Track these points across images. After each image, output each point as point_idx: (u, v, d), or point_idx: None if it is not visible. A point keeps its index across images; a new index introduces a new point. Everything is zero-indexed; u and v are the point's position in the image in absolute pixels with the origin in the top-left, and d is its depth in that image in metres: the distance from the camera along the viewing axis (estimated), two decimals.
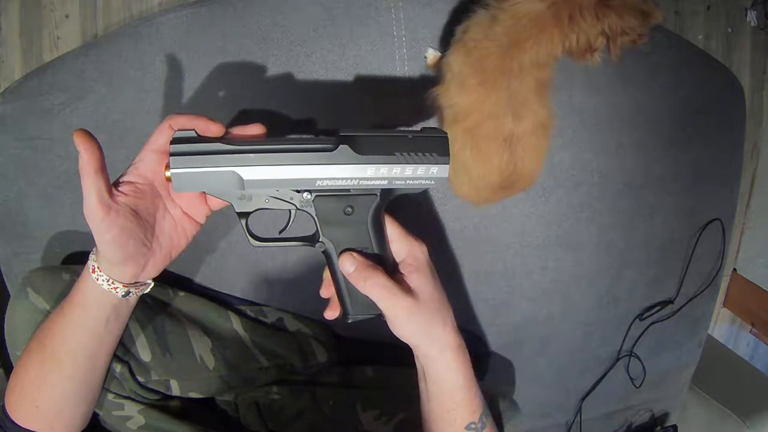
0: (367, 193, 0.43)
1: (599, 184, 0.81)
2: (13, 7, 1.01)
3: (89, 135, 0.40)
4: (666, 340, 0.96)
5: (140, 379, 0.58)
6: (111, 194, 0.41)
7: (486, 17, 0.56)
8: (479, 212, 0.77)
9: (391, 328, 0.44)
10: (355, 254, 0.43)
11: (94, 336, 0.46)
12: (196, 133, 0.41)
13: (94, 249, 0.44)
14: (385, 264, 0.44)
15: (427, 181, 0.43)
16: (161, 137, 0.43)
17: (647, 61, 0.79)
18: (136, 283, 0.45)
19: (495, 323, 0.84)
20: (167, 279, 0.72)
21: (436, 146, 0.43)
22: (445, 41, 0.71)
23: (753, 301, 1.45)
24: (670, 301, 0.93)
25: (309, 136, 0.41)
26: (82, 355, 0.46)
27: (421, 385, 0.49)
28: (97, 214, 0.40)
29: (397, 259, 0.45)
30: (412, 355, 0.49)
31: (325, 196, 0.42)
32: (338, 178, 0.41)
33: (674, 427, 1.05)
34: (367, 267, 0.42)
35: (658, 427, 1.04)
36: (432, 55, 0.70)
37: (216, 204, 0.48)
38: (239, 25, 0.67)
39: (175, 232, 0.47)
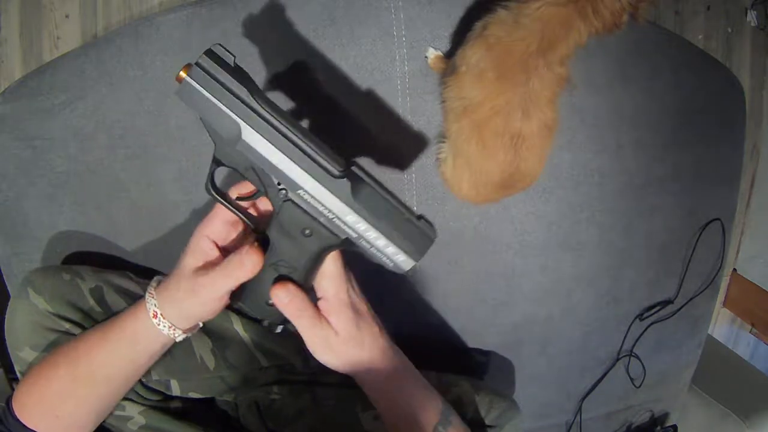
0: (333, 231, 0.41)
1: (599, 184, 0.81)
2: (13, 7, 1.01)
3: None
4: (666, 340, 0.96)
5: (141, 378, 0.58)
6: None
7: (508, 17, 0.56)
8: (479, 212, 0.77)
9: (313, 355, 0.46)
10: (291, 287, 0.42)
11: (137, 367, 0.47)
12: (235, 61, 0.38)
13: (152, 291, 0.46)
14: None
15: (387, 260, 0.42)
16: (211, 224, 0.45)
17: (647, 61, 0.78)
18: (192, 328, 0.47)
19: (495, 323, 0.84)
20: None
21: (418, 241, 0.42)
22: (445, 39, 0.71)
23: (753, 301, 1.45)
24: (670, 301, 0.93)
25: (325, 146, 0.40)
26: (120, 381, 0.47)
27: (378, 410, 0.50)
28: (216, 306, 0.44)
29: (321, 295, 0.45)
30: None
31: (297, 206, 0.41)
32: (321, 203, 0.40)
33: (674, 427, 1.05)
34: (302, 301, 0.43)
35: (658, 427, 1.04)
36: (432, 54, 0.70)
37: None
38: (239, 25, 0.67)
39: None
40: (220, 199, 0.42)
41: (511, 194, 0.70)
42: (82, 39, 1.04)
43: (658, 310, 0.92)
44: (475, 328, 0.84)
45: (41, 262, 0.70)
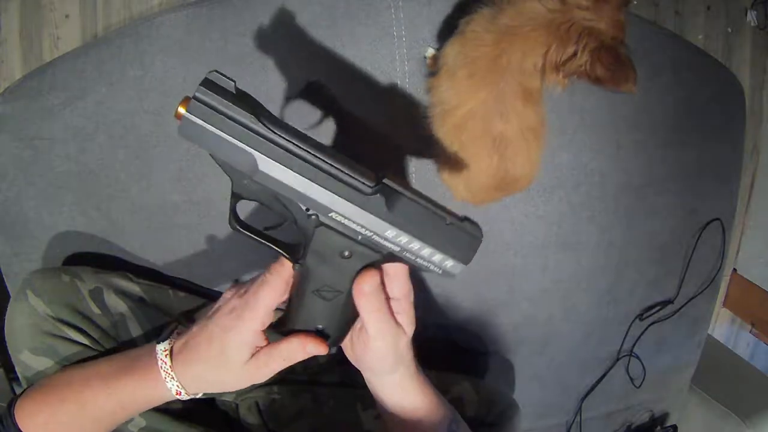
0: (373, 248, 0.39)
1: (599, 184, 0.81)
2: (13, 7, 1.01)
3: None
4: (666, 340, 0.96)
5: None
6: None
7: (491, 11, 0.55)
8: (479, 212, 0.77)
9: (362, 351, 0.43)
10: (377, 276, 0.39)
11: (136, 413, 0.47)
12: (236, 86, 0.34)
13: (170, 371, 0.42)
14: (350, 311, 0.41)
15: (435, 268, 0.40)
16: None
17: (647, 61, 0.78)
18: None
19: (495, 323, 0.84)
20: (167, 280, 0.72)
21: (466, 244, 0.40)
22: (445, 35, 0.71)
23: (753, 301, 1.45)
24: (670, 301, 0.93)
25: (349, 162, 0.37)
26: (118, 420, 0.46)
27: (378, 407, 0.48)
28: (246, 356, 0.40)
29: (391, 295, 0.42)
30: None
31: (331, 229, 0.38)
32: (356, 223, 0.37)
33: (674, 427, 1.05)
34: (381, 293, 0.40)
35: (658, 427, 1.04)
36: (432, 54, 0.70)
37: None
38: (239, 24, 0.67)
39: None
40: (250, 236, 0.38)
41: (508, 195, 0.69)
42: (82, 39, 1.04)
43: (658, 310, 0.92)
44: (475, 328, 0.84)
45: (41, 262, 0.70)
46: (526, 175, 0.64)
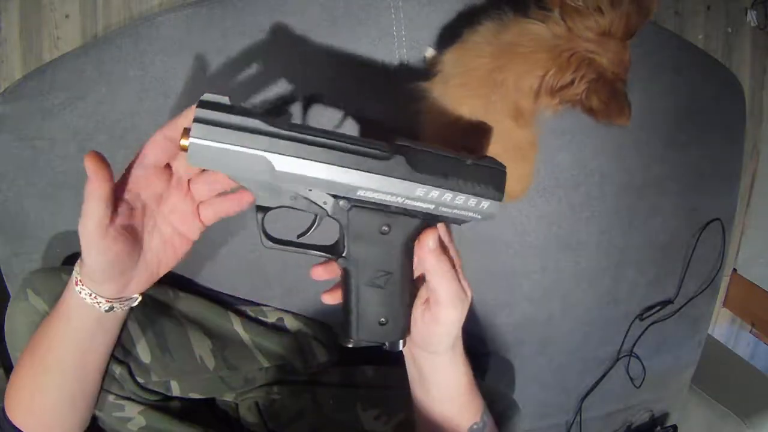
0: (409, 214, 0.39)
1: (599, 184, 0.81)
2: (13, 7, 1.01)
3: (101, 160, 0.37)
4: (666, 340, 0.96)
5: (140, 380, 0.58)
6: (112, 221, 0.38)
7: (496, 25, 0.55)
8: None
9: (428, 327, 0.41)
10: (435, 230, 0.39)
11: (79, 348, 0.45)
12: (229, 99, 0.34)
13: (79, 260, 0.42)
14: (407, 292, 0.41)
15: (474, 215, 0.40)
16: (153, 152, 0.39)
17: (647, 61, 0.78)
18: (120, 298, 0.43)
19: (495, 323, 0.84)
20: (167, 280, 0.72)
21: (492, 179, 0.39)
22: (445, 41, 0.70)
23: (753, 301, 1.45)
24: (670, 301, 0.93)
25: (358, 137, 0.37)
26: (70, 365, 0.45)
27: (419, 392, 0.48)
28: (92, 239, 0.38)
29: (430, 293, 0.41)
30: None
31: (363, 208, 0.38)
32: (384, 192, 0.37)
33: (674, 427, 1.05)
34: (444, 252, 0.40)
35: (658, 427, 1.04)
36: (431, 54, 0.70)
37: (210, 218, 0.44)
38: (239, 24, 0.67)
39: (163, 250, 0.44)
40: (287, 248, 0.39)
41: None
42: (82, 39, 1.04)
43: (658, 310, 0.92)
44: (475, 328, 0.84)
45: (41, 262, 0.70)
46: (513, 193, 0.64)
